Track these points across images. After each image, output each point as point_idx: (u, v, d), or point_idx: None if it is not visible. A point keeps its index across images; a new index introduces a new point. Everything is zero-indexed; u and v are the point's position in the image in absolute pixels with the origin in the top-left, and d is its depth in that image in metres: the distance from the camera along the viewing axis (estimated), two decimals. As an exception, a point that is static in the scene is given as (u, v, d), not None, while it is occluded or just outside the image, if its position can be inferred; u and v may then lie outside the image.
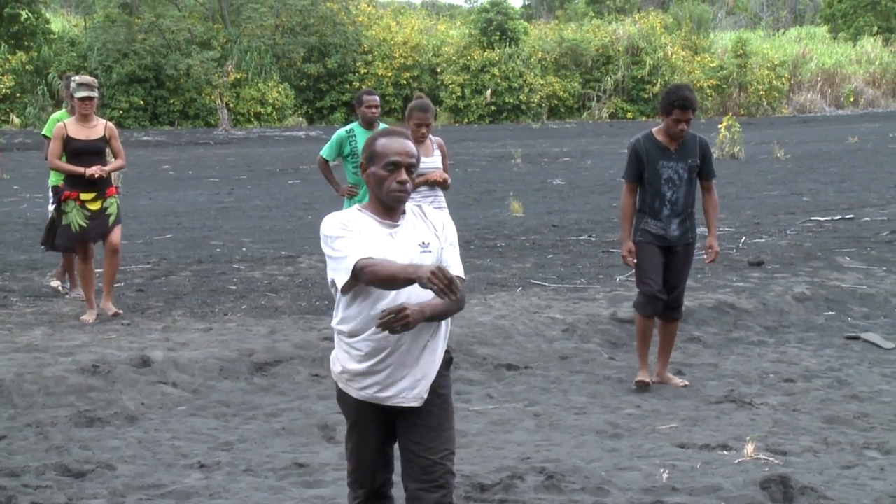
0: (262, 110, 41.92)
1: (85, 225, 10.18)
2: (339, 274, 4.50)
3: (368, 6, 50.09)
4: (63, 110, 11.75)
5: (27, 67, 39.22)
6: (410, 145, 4.68)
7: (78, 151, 10.16)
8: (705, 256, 8.80)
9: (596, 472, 6.64)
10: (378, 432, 4.78)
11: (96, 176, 10.07)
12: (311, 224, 16.98)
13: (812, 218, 17.02)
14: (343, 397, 4.76)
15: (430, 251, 4.61)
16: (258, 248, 14.80)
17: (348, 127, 10.85)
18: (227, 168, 26.35)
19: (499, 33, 46.00)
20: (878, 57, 54.69)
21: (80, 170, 10.07)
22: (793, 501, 6.28)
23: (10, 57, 39.08)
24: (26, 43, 39.97)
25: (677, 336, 9.21)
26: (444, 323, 4.71)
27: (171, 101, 40.64)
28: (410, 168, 4.64)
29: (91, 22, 42.80)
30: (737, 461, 6.91)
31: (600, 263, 13.63)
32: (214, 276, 12.61)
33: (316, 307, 11.07)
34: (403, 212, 4.73)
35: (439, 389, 4.74)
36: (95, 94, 10.24)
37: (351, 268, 4.42)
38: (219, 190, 22.03)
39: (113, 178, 10.56)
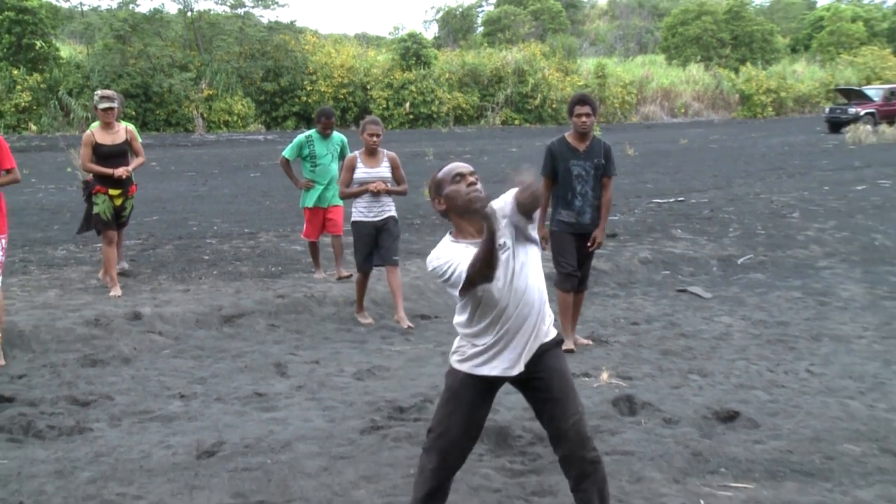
0: (230, 119, 41.58)
1: (110, 216, 9.82)
2: (458, 288, 4.08)
3: (313, 37, 49.89)
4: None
5: (41, 86, 38.51)
6: (464, 164, 4.32)
7: (106, 154, 9.73)
8: (589, 244, 8.23)
9: (488, 396, 6.70)
10: (476, 404, 4.35)
11: (124, 176, 9.75)
12: (269, 208, 16.90)
13: (653, 200, 17.24)
14: (452, 373, 4.34)
15: (508, 247, 4.16)
16: (226, 226, 14.68)
17: (307, 133, 10.66)
18: (202, 164, 26.07)
19: (415, 58, 46.02)
20: (701, 79, 55.56)
21: (110, 171, 9.68)
22: (636, 414, 6.39)
23: (27, 77, 38.39)
24: (40, 66, 39.26)
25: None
26: (546, 308, 4.30)
27: (157, 112, 40.17)
28: (473, 174, 4.25)
29: (92, 49, 42.11)
30: (595, 385, 7.01)
31: (492, 236, 13.70)
32: (191, 249, 12.50)
33: (272, 272, 11.01)
34: None
35: (555, 364, 4.32)
36: (115, 104, 9.77)
37: (465, 276, 4.01)
38: (195, 181, 21.78)
39: (132, 176, 10.16)
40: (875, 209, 15.84)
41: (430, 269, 4.20)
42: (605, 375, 7.21)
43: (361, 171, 8.91)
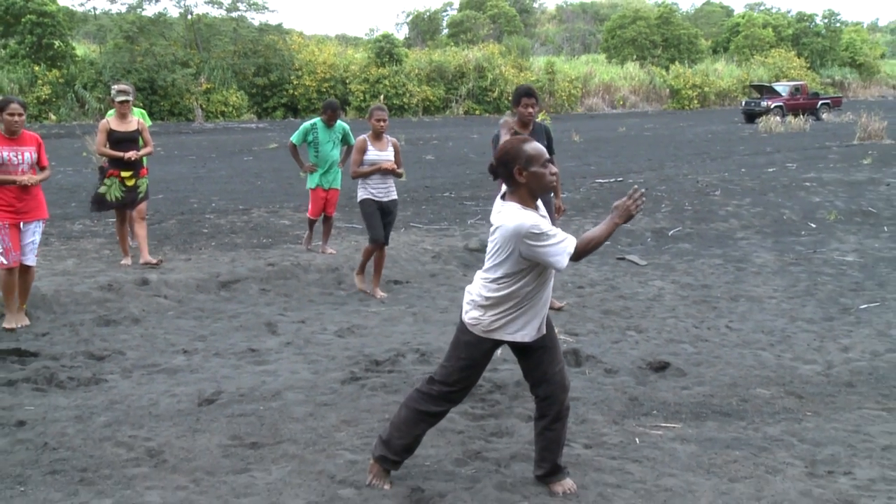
0: (226, 109, 41.17)
1: (121, 196, 9.49)
2: (563, 256, 3.91)
3: (299, 37, 49.47)
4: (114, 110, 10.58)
5: (59, 80, 37.95)
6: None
7: (118, 140, 9.42)
8: (556, 214, 8.09)
9: (452, 350, 6.70)
10: (487, 363, 4.34)
11: (133, 159, 9.43)
12: (260, 187, 16.77)
13: (596, 180, 17.27)
14: (479, 343, 4.20)
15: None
16: (223, 203, 14.55)
17: (313, 121, 10.23)
18: (202, 149, 25.77)
19: (388, 56, 45.70)
20: (636, 75, 55.55)
21: (120, 154, 9.36)
22: (581, 365, 6.43)
23: (47, 73, 37.86)
24: (59, 63, 38.68)
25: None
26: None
27: (162, 104, 39.68)
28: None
29: (104, 48, 41.51)
30: (545, 340, 7.03)
31: (457, 212, 13.67)
32: (192, 223, 12.39)
33: (263, 243, 10.94)
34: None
35: (547, 320, 4.29)
36: (130, 97, 9.48)
37: (573, 249, 3.92)
38: (195, 164, 21.53)
39: (144, 161, 9.78)
40: (784, 188, 15.95)
41: (531, 231, 3.91)
42: (555, 332, 7.22)
43: (372, 154, 8.66)
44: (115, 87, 9.65)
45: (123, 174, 9.51)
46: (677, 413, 5.46)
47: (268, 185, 17.07)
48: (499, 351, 6.58)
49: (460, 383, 4.30)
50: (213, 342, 7.15)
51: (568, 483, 4.31)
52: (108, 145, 9.44)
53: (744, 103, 41.54)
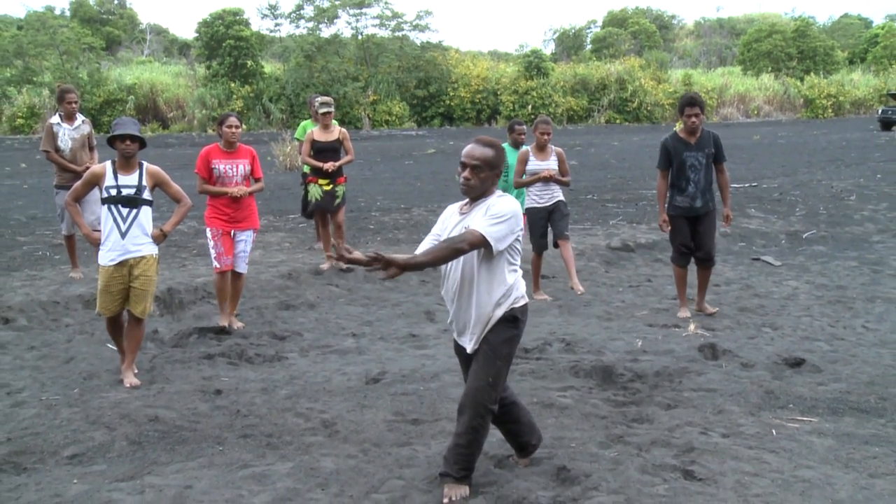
0: (389, 118, 41.96)
1: (320, 199, 9.34)
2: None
3: (456, 53, 49.76)
4: (309, 120, 10.72)
5: (250, 95, 39.75)
6: (478, 150, 3.88)
7: (320, 150, 9.35)
8: (723, 223, 7.78)
9: (597, 341, 6.59)
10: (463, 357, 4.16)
11: (331, 170, 9.26)
12: (420, 189, 16.98)
13: (731, 186, 16.57)
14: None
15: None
16: (387, 202, 14.82)
17: (502, 145, 9.18)
18: (368, 154, 26.32)
19: (536, 70, 45.43)
20: (771, 86, 53.08)
21: (320, 164, 9.28)
22: (718, 358, 6.19)
23: (241, 89, 39.74)
24: (250, 80, 40.53)
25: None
26: (486, 284, 3.93)
27: (335, 114, 40.84)
28: (475, 168, 3.85)
29: (287, 66, 43.08)
30: (684, 335, 6.83)
31: (599, 213, 13.46)
32: (360, 220, 12.68)
33: (422, 239, 11.01)
34: (481, 202, 3.92)
35: (489, 336, 3.98)
36: (332, 109, 9.45)
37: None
38: (363, 168, 21.97)
39: (341, 170, 9.47)
40: (922, 194, 14.92)
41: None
42: (692, 327, 7.00)
43: (533, 164, 8.48)
44: (318, 99, 9.53)
45: (321, 182, 9.38)
46: (813, 407, 5.17)
47: (426, 187, 17.28)
48: (639, 343, 6.46)
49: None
50: (378, 327, 7.28)
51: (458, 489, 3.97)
52: (311, 154, 9.36)
53: (880, 111, 38.99)
